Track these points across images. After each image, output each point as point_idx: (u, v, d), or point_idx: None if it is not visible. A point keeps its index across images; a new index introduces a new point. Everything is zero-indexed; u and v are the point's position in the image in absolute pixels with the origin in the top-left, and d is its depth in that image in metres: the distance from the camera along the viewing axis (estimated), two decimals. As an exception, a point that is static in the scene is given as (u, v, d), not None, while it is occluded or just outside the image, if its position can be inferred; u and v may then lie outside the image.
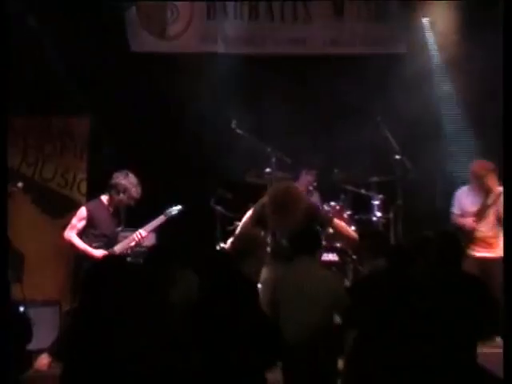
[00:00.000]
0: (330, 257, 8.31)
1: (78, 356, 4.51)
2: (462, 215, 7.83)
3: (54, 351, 5.14)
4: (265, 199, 7.04)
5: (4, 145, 5.06)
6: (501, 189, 7.47)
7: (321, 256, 6.71)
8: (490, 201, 7.71)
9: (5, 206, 5.58)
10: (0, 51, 5.13)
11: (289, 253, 6.16)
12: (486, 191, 7.73)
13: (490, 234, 7.70)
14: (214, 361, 4.65)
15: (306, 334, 5.43)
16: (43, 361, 6.08)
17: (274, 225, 6.91)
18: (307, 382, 5.42)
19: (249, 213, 7.06)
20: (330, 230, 7.43)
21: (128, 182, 7.37)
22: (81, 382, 4.47)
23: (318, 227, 7.04)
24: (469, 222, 7.77)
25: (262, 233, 7.04)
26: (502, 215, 7.24)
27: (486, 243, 7.68)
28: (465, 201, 7.89)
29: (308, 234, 6.27)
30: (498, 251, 7.47)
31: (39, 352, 5.99)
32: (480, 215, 7.75)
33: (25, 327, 5.10)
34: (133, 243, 7.47)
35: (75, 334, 4.68)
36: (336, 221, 7.26)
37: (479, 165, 7.86)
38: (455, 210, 7.89)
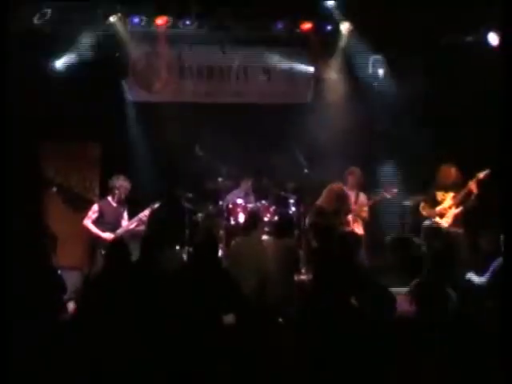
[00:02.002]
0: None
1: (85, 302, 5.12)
2: None
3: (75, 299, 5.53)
4: (320, 201, 7.93)
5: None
6: (361, 194, 8.53)
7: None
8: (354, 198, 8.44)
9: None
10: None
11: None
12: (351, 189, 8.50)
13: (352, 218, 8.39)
14: (195, 309, 4.96)
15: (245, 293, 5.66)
16: (71, 306, 6.03)
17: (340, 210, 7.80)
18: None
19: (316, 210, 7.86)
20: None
21: (120, 181, 7.95)
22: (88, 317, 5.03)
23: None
24: None
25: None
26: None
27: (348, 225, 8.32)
28: None
29: (245, 220, 7.35)
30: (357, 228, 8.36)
31: (67, 301, 6.00)
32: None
33: (62, 284, 5.65)
34: (134, 224, 7.88)
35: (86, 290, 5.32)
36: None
37: (347, 171, 8.54)
38: None
